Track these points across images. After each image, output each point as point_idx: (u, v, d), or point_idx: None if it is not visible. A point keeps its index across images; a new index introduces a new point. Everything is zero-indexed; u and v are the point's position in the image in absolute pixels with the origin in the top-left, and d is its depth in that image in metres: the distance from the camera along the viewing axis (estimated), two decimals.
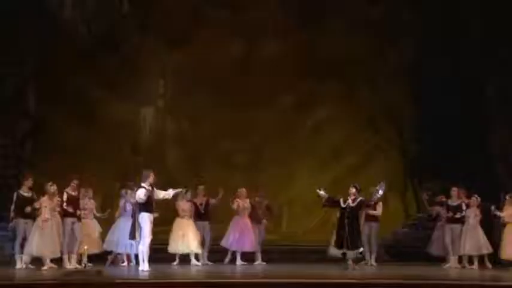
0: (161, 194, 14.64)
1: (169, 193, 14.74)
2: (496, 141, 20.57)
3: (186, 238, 16.82)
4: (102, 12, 21.49)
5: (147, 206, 14.41)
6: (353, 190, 15.98)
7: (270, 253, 18.09)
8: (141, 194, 14.32)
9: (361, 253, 16.09)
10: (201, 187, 17.71)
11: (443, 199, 17.26)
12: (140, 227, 14.41)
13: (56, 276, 12.89)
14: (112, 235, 16.37)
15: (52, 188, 15.37)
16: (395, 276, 13.79)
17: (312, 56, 21.83)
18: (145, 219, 14.38)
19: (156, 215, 14.92)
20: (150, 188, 14.43)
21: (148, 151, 22.17)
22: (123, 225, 16.09)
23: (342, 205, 15.92)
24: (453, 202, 16.83)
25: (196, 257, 16.92)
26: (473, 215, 16.70)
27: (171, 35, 21.88)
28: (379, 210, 17.21)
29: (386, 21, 21.59)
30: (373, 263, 17.07)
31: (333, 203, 16.09)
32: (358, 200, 15.94)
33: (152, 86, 22.43)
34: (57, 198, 15.43)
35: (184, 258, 17.02)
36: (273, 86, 21.78)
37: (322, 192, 15.99)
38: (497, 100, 20.59)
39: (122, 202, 16.55)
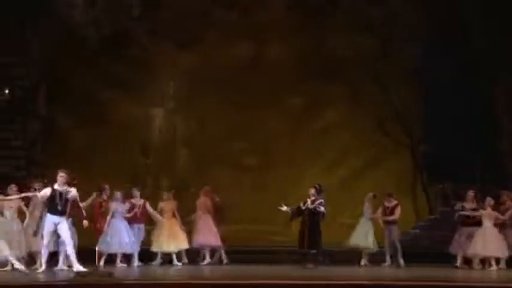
0: None
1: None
2: (505, 141, 20.58)
3: (171, 238, 16.79)
4: (112, 14, 21.56)
5: None
6: (312, 191, 16.00)
7: (277, 254, 18.08)
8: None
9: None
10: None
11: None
12: None
13: (69, 277, 12.95)
14: (105, 236, 16.20)
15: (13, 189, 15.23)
16: (407, 278, 13.83)
17: (320, 58, 21.90)
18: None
19: None
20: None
21: (158, 152, 22.27)
22: (116, 225, 16.04)
23: (302, 207, 15.93)
24: (470, 205, 16.78)
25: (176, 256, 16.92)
26: (488, 217, 16.62)
27: (181, 36, 21.98)
28: (396, 214, 17.20)
29: (393, 22, 21.62)
30: (401, 262, 17.00)
31: (298, 212, 16.08)
32: (318, 201, 15.94)
33: (162, 87, 22.55)
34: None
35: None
36: (282, 87, 21.87)
37: (284, 208, 16.04)
38: (504, 100, 20.61)
39: (113, 204, 16.38)
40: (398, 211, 17.17)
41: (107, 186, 16.23)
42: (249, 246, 18.87)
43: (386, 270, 16.20)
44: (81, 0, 21.34)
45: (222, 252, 17.16)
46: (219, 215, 17.28)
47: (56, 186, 13.69)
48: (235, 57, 22.16)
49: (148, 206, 16.49)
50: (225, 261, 17.08)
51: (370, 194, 17.38)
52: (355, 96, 22.04)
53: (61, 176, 13.73)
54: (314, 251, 15.82)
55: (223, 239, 17.11)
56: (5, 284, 12.23)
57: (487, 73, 20.47)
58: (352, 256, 17.92)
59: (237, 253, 17.69)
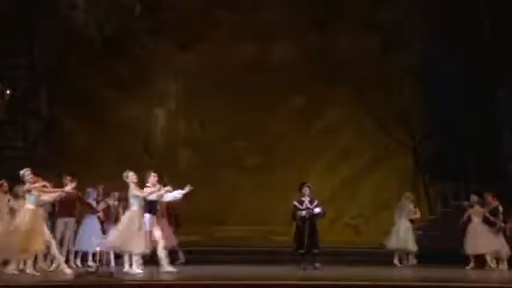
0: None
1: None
2: (508, 142, 20.54)
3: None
4: (114, 15, 21.60)
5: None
6: (308, 191, 15.94)
7: (279, 254, 18.06)
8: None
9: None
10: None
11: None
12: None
13: (69, 277, 12.97)
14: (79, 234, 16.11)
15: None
16: (408, 279, 13.80)
17: (322, 58, 21.89)
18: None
19: None
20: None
21: (160, 152, 22.28)
22: (88, 224, 15.98)
23: (300, 206, 15.86)
24: (489, 206, 16.87)
25: None
26: (476, 214, 16.86)
27: (183, 37, 22.01)
28: (418, 214, 17.32)
29: (396, 23, 21.60)
30: (414, 261, 17.28)
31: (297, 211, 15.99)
32: (316, 201, 15.87)
33: (164, 87, 22.57)
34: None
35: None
36: (285, 87, 21.86)
37: (318, 210, 15.89)
38: (509, 100, 20.57)
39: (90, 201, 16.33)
40: (418, 211, 17.52)
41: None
42: (251, 246, 18.90)
43: (385, 270, 16.17)
44: (83, 0, 21.40)
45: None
46: (171, 218, 17.34)
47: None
48: (237, 58, 22.16)
49: (120, 209, 16.36)
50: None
51: (409, 194, 17.51)
52: (358, 97, 22.03)
53: (154, 176, 14.16)
54: (316, 251, 15.80)
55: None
56: (5, 284, 12.24)
57: (490, 73, 20.43)
58: (355, 257, 17.99)
59: (238, 253, 17.72)
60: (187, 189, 14.51)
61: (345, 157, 22.10)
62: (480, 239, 16.65)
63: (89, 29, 21.57)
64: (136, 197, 13.82)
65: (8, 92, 20.47)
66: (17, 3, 20.27)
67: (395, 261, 17.28)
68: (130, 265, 13.80)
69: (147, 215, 13.98)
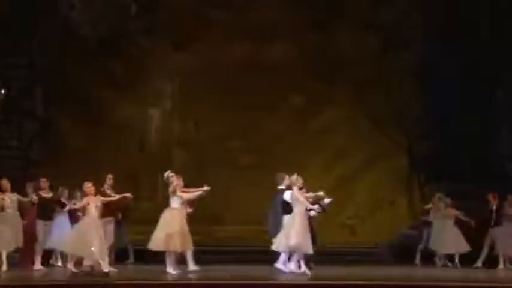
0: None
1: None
2: (506, 142, 20.57)
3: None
4: (109, 14, 21.59)
5: None
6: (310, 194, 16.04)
7: (276, 254, 17.99)
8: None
9: None
10: None
11: None
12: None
13: (66, 277, 12.95)
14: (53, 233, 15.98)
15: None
16: (405, 279, 13.83)
17: (322, 58, 21.86)
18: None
19: None
20: None
21: (155, 152, 22.24)
22: (59, 223, 15.87)
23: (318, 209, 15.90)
24: (491, 206, 16.99)
25: None
26: (448, 216, 17.13)
27: (179, 36, 21.98)
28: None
29: (396, 23, 21.61)
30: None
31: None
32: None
33: (159, 87, 22.54)
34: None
35: None
36: (280, 87, 21.83)
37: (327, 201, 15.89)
38: (507, 101, 20.60)
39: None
40: None
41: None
42: (246, 246, 18.87)
43: (381, 270, 16.18)
44: (79, 0, 21.39)
45: None
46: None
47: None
48: (233, 57, 22.11)
49: None
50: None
51: (441, 194, 17.70)
52: (355, 96, 22.03)
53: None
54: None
55: None
56: (4, 284, 12.26)
57: (489, 73, 20.46)
58: (351, 256, 18.01)
59: (234, 253, 17.70)
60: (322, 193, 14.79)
61: (343, 157, 22.08)
62: (449, 239, 16.90)
63: (84, 29, 21.54)
64: (299, 201, 14.27)
65: (2, 91, 20.46)
66: (17, 3, 20.28)
67: (437, 260, 17.42)
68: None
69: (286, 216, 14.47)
